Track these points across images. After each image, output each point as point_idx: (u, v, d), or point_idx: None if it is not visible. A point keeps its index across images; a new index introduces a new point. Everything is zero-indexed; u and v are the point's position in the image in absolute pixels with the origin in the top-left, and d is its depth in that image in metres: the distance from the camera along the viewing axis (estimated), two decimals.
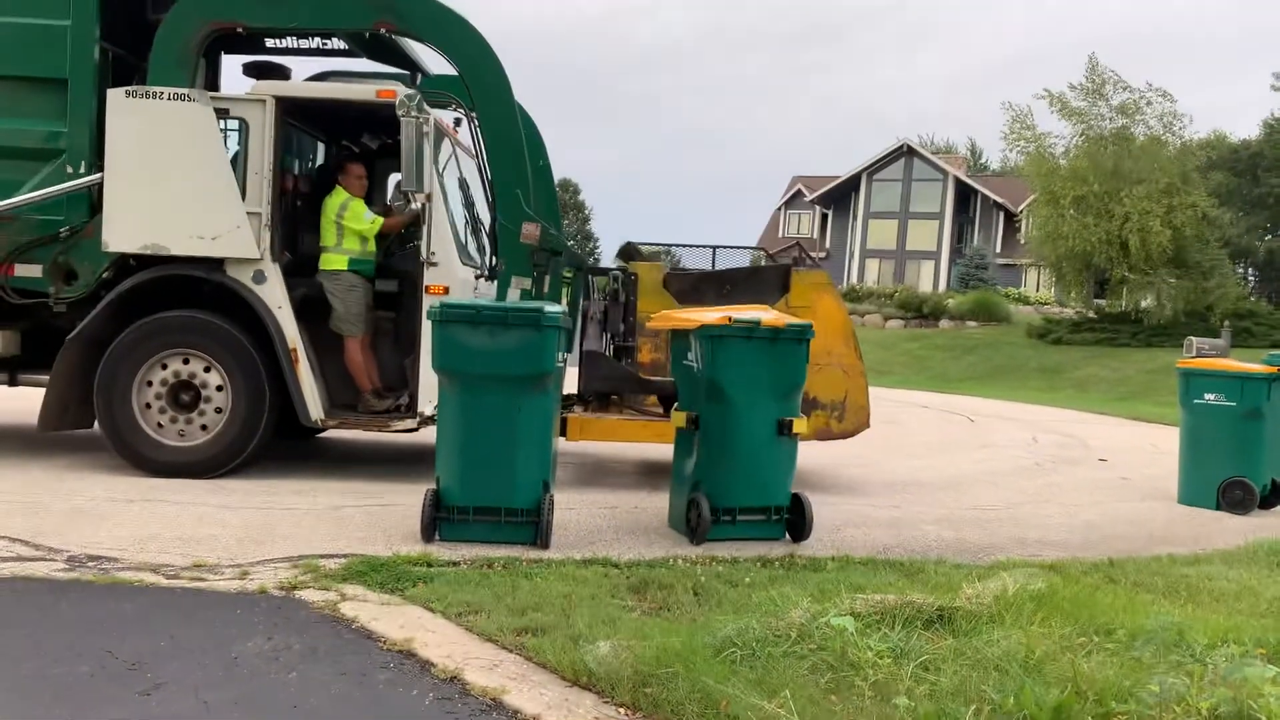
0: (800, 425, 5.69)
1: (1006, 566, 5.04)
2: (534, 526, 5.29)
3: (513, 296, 6.91)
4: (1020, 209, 46.46)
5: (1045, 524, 6.79)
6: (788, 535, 5.76)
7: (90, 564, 4.66)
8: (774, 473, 5.71)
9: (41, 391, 6.99)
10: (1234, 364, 7.90)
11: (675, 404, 6.24)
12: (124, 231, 6.79)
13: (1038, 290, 41.72)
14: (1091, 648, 3.63)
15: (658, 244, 9.25)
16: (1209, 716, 2.92)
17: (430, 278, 6.87)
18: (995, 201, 49.47)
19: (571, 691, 3.42)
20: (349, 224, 7.19)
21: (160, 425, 6.87)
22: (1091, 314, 30.82)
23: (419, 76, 8.27)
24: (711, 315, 5.71)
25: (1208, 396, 7.71)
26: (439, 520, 5.31)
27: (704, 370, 5.61)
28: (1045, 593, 4.24)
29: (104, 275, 6.95)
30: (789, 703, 3.10)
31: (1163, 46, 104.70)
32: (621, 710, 3.29)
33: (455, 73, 7.19)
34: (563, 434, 6.91)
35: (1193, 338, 8.31)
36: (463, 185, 7.76)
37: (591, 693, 3.41)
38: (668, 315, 6.33)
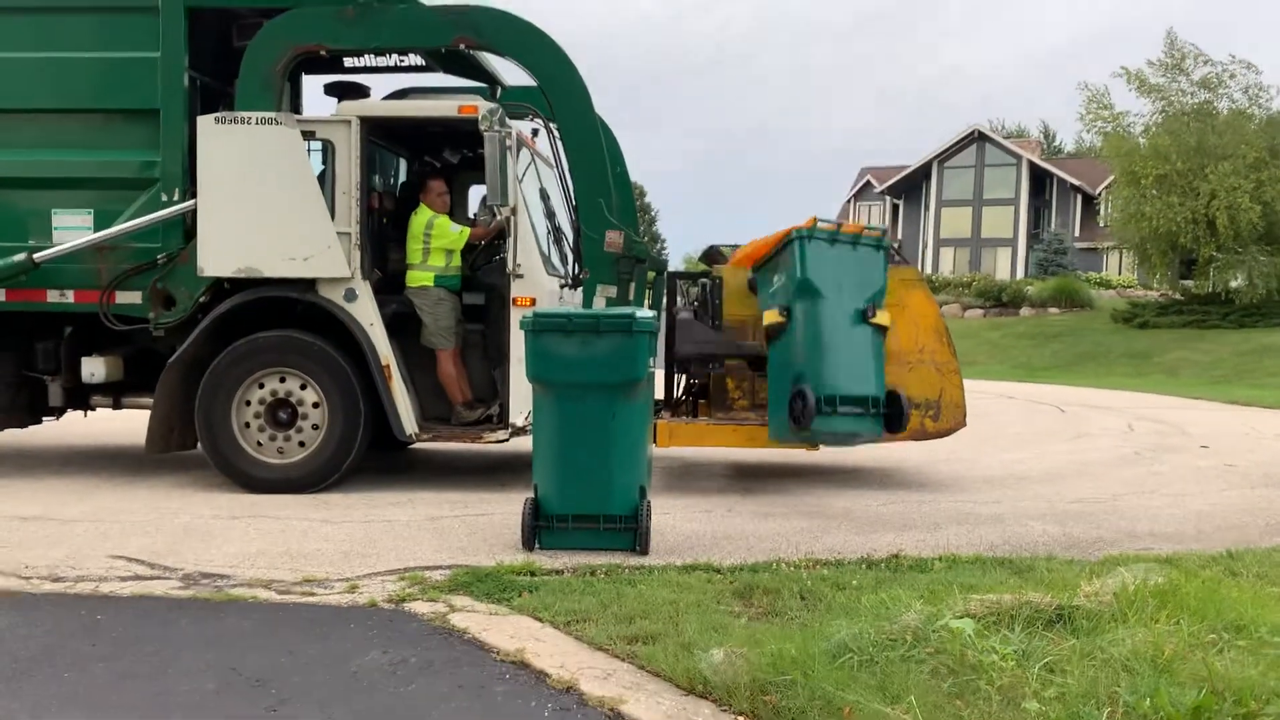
0: (882, 318, 6.81)
1: (1121, 561, 4.89)
2: (632, 533, 5.30)
3: (598, 304, 6.94)
4: (1099, 191, 45.26)
5: (1154, 515, 6.59)
6: (885, 430, 6.74)
7: (204, 581, 4.78)
8: (865, 363, 6.70)
9: (145, 414, 7.19)
10: None
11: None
12: (219, 256, 6.94)
13: (1120, 273, 40.55)
14: (1223, 645, 3.50)
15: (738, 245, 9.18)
16: None
17: (517, 289, 6.92)
18: (1072, 184, 48.26)
19: (689, 701, 3.40)
20: (436, 241, 7.24)
21: (260, 444, 7.02)
22: (1179, 295, 29.87)
23: (497, 89, 8.34)
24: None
25: None
26: (539, 529, 5.34)
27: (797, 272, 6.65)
28: (1167, 588, 4.09)
29: (201, 299, 7.11)
30: (914, 709, 3.04)
31: (1245, 17, 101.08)
32: (741, 718, 3.26)
33: (533, 84, 7.23)
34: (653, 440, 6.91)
35: None
36: (543, 195, 7.79)
37: (709, 701, 3.39)
38: (754, 245, 7.32)
